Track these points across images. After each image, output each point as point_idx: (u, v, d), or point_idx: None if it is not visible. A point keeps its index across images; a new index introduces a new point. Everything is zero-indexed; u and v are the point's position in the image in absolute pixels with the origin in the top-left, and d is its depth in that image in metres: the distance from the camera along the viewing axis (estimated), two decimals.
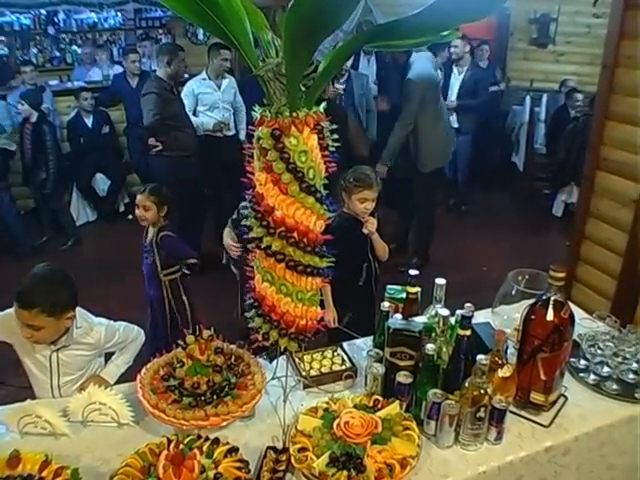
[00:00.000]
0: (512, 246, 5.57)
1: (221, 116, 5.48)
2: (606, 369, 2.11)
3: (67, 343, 2.28)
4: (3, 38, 6.98)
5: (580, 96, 6.38)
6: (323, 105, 1.57)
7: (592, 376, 2.11)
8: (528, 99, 7.12)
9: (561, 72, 7.31)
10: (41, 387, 2.38)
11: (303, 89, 1.49)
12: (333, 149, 1.59)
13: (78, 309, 2.28)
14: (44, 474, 1.65)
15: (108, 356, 2.51)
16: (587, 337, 2.16)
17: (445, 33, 1.52)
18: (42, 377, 2.35)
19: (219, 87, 5.49)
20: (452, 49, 6.27)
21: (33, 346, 2.26)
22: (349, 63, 5.65)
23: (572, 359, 2.14)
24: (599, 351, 2.12)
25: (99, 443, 1.87)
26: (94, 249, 6.06)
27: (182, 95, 5.28)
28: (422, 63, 4.90)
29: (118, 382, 2.34)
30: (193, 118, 5.28)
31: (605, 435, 1.98)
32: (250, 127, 1.58)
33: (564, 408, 1.99)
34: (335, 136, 1.58)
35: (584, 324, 2.26)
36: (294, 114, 1.49)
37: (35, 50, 7.33)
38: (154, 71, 5.29)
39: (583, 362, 2.16)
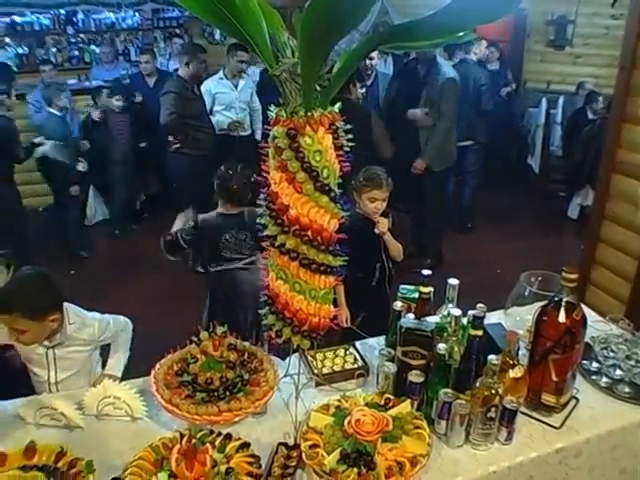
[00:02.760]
0: (526, 248, 5.54)
1: (237, 116, 5.51)
2: (618, 372, 2.10)
3: (62, 340, 2.30)
4: (24, 38, 7.08)
5: (601, 98, 6.34)
6: (338, 105, 1.58)
7: (604, 379, 2.11)
8: (544, 101, 7.08)
9: (578, 74, 7.26)
10: (39, 383, 2.40)
11: (318, 89, 1.51)
12: (348, 149, 1.60)
13: (69, 305, 2.30)
14: (59, 465, 1.68)
15: (103, 349, 2.54)
16: (600, 340, 2.16)
17: (461, 34, 1.53)
18: (40, 373, 2.38)
19: (236, 87, 5.53)
20: None
21: None
22: (374, 62, 5.64)
23: (584, 361, 2.14)
24: (612, 354, 2.11)
25: (113, 436, 1.90)
26: (110, 247, 6.11)
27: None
28: (446, 64, 4.94)
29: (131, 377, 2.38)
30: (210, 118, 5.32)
31: (617, 438, 1.97)
32: (266, 126, 1.60)
33: (575, 410, 1.99)
34: (350, 136, 1.60)
35: (597, 327, 2.25)
36: (309, 114, 1.50)
37: (54, 49, 7.42)
38: (176, 70, 5.35)
39: (595, 365, 2.16)
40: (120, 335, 2.48)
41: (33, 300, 2.13)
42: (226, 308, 3.26)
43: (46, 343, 2.28)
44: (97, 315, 2.42)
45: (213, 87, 5.44)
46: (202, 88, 5.42)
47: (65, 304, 2.29)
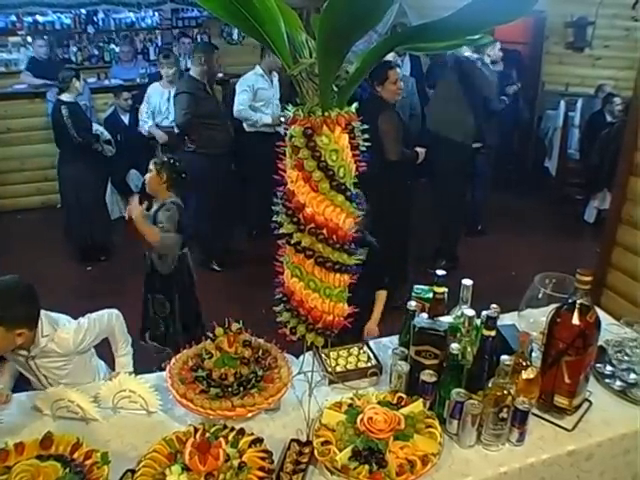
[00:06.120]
0: (542, 251, 5.51)
1: (272, 112, 5.52)
2: (632, 376, 2.09)
3: (35, 353, 2.26)
4: (45, 37, 7.14)
5: (618, 100, 6.29)
6: (355, 105, 1.59)
7: (618, 382, 2.10)
8: (562, 104, 7.03)
9: (597, 76, 7.18)
10: (35, 386, 2.39)
11: (335, 89, 1.52)
12: (364, 149, 1.61)
13: (46, 314, 2.26)
14: (75, 456, 1.71)
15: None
16: (614, 343, 2.15)
17: (477, 36, 1.53)
18: (31, 379, 2.38)
19: (272, 83, 5.57)
20: None
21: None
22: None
23: (598, 365, 2.13)
24: (626, 357, 2.11)
25: (128, 429, 1.93)
26: (126, 243, 6.15)
27: (240, 89, 5.37)
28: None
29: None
30: (251, 113, 5.37)
31: (630, 442, 1.96)
32: (284, 125, 1.62)
33: (588, 413, 1.98)
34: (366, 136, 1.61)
35: (611, 330, 2.24)
36: (326, 113, 1.52)
37: (74, 49, 7.49)
38: (187, 70, 5.39)
39: (609, 368, 2.15)
40: (112, 332, 2.44)
41: (4, 309, 2.08)
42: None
43: (24, 353, 2.26)
44: (73, 325, 2.32)
45: (255, 82, 5.44)
46: (243, 82, 5.43)
47: (42, 313, 2.23)
